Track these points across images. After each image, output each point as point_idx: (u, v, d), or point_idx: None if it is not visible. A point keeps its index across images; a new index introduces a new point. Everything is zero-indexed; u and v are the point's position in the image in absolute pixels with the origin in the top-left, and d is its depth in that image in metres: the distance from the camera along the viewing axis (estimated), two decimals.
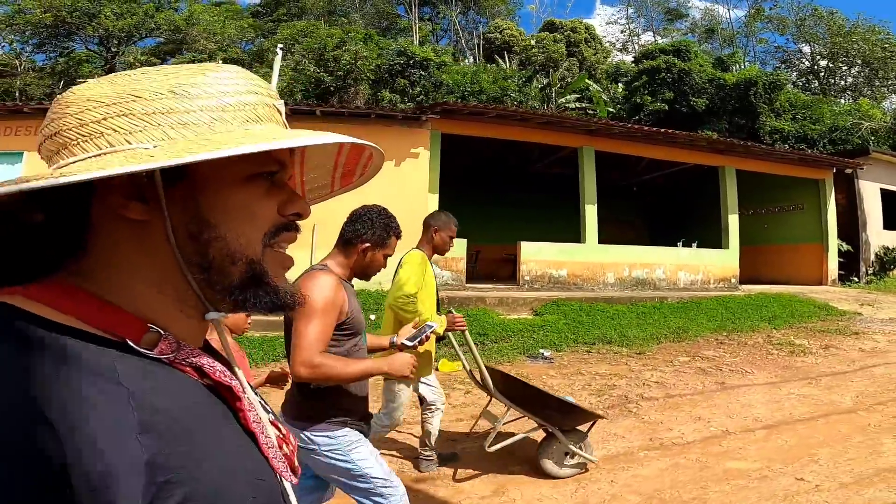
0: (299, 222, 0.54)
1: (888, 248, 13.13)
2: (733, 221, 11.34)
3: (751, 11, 30.02)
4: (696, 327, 7.88)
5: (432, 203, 9.01)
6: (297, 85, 19.11)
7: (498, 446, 2.98)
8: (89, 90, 0.45)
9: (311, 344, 1.60)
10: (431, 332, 2.07)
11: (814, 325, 8.22)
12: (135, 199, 0.44)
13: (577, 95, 21.62)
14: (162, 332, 0.46)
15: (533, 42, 29.57)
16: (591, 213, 10.37)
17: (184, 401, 0.44)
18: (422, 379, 3.02)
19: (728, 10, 31.76)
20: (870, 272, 13.02)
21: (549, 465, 3.06)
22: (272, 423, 0.54)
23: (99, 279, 0.45)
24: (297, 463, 0.56)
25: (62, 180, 0.36)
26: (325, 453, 1.71)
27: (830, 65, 26.91)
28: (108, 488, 0.35)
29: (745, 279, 13.49)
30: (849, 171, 12.22)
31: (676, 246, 11.31)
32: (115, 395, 0.39)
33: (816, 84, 27.25)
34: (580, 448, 3.07)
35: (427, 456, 3.18)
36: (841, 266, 12.86)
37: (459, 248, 9.62)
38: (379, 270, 1.92)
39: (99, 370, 0.39)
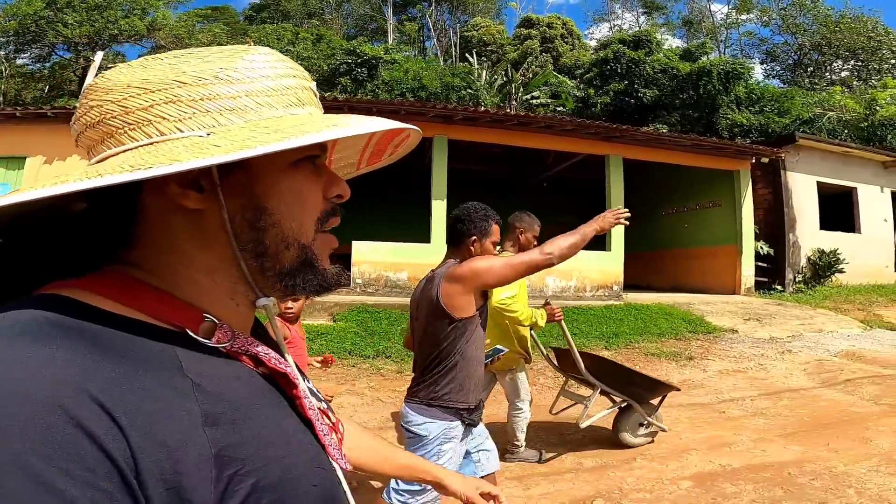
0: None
1: (823, 252, 11.14)
2: None
3: (738, 2, 28.01)
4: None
5: None
6: None
7: (589, 422, 3.28)
8: (125, 76, 0.43)
9: (520, 258, 1.80)
10: (501, 356, 2.33)
11: (654, 346, 6.79)
12: (191, 188, 0.43)
13: (545, 92, 20.44)
14: (217, 321, 0.44)
15: (508, 39, 28.48)
16: (439, 210, 9.17)
17: (244, 390, 0.43)
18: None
19: (708, 1, 29.73)
20: (798, 279, 11.08)
21: (627, 436, 3.43)
22: (322, 411, 0.53)
23: (155, 269, 0.44)
24: (344, 451, 0.55)
25: (138, 174, 0.34)
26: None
27: (820, 57, 24.67)
28: (181, 483, 0.34)
29: (666, 287, 11.92)
30: (765, 160, 10.51)
31: None
32: (179, 387, 0.38)
33: (805, 78, 25.08)
34: (654, 418, 3.41)
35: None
36: (764, 272, 11.09)
37: None
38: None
39: (162, 362, 0.38)
